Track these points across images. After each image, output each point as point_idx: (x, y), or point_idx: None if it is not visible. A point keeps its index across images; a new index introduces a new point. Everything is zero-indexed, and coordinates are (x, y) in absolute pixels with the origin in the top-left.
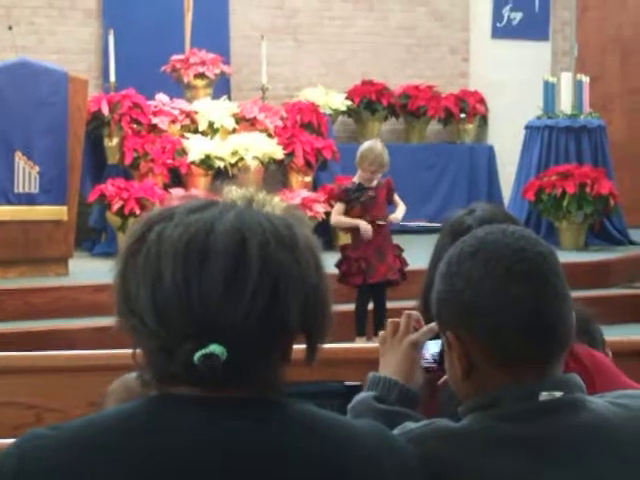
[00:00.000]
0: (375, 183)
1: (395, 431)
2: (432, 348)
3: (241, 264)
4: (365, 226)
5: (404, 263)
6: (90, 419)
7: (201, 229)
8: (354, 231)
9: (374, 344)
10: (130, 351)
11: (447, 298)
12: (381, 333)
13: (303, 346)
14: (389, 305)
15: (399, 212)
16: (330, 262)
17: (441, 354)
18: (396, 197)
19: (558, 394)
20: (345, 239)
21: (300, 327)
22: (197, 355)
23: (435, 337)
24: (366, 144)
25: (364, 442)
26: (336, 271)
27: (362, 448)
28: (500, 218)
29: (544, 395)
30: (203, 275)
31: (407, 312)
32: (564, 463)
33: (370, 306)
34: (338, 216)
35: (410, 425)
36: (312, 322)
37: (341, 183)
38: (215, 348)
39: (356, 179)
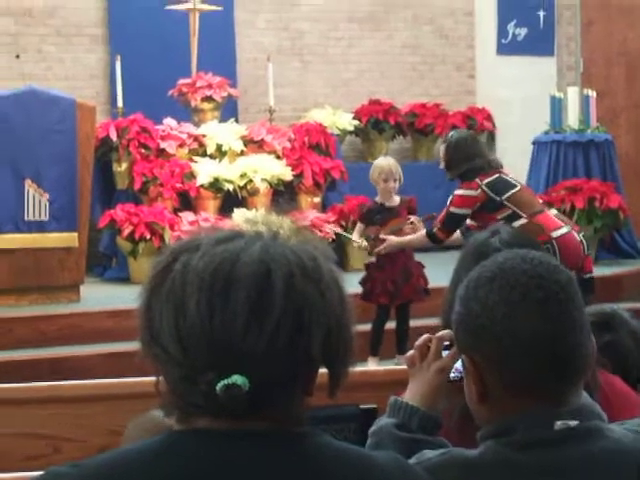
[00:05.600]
0: (398, 201)
1: (412, 459)
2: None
3: (265, 295)
4: (363, 244)
5: (426, 280)
6: (108, 456)
7: (227, 260)
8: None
9: (389, 367)
10: (150, 379)
11: (464, 321)
12: (408, 354)
13: (320, 370)
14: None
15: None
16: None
17: None
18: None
19: (573, 423)
20: (359, 260)
21: (323, 359)
22: (219, 385)
23: None
24: (375, 161)
25: (383, 473)
26: (353, 290)
27: (381, 476)
28: (524, 241)
29: (559, 424)
30: (227, 305)
31: (439, 334)
32: None
33: (389, 325)
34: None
35: (427, 454)
36: (335, 354)
37: (363, 203)
38: (237, 379)
39: (378, 199)
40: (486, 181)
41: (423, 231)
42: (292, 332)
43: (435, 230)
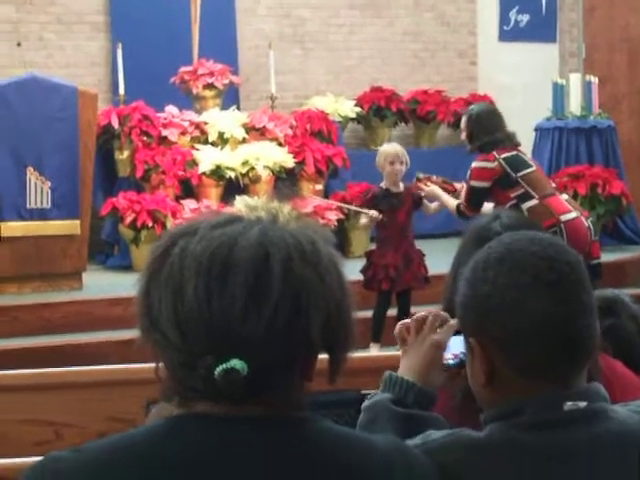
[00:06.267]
0: (402, 188)
1: (417, 439)
2: (454, 346)
3: (263, 279)
4: (373, 213)
5: (426, 269)
6: (108, 441)
7: (224, 244)
8: (380, 237)
9: (390, 352)
10: (150, 365)
11: (471, 303)
12: (396, 330)
13: (321, 356)
14: (411, 310)
15: (434, 205)
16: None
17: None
18: (427, 202)
19: (582, 404)
20: (361, 246)
21: (322, 343)
22: (218, 370)
23: (457, 333)
24: (380, 147)
25: (383, 457)
26: (354, 277)
27: (381, 461)
28: (526, 225)
29: (569, 405)
30: (225, 289)
31: (435, 312)
32: (589, 473)
33: (390, 312)
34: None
35: (433, 434)
36: (334, 338)
37: (368, 189)
38: (236, 363)
39: (383, 184)
40: (504, 155)
41: (455, 202)
42: (290, 316)
43: (462, 207)
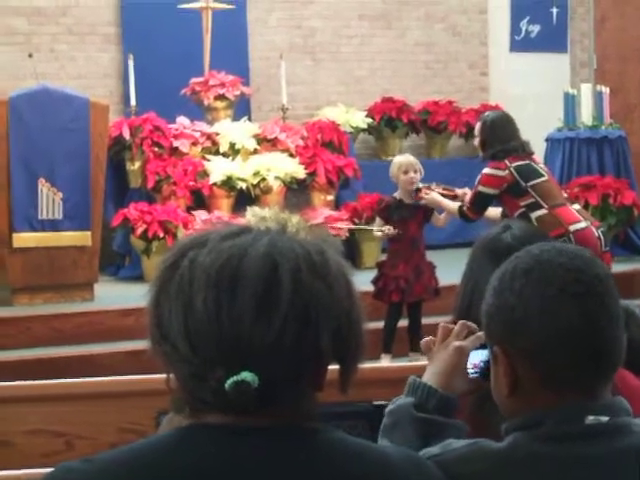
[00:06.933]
0: (414, 199)
1: (436, 448)
2: (474, 358)
3: (272, 290)
4: (388, 229)
5: (437, 281)
6: (118, 452)
7: (234, 255)
8: (391, 249)
9: (402, 363)
10: (162, 376)
11: (497, 313)
12: (425, 340)
13: (332, 367)
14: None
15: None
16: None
17: (487, 366)
18: (436, 214)
19: (604, 419)
20: (372, 258)
21: (332, 354)
22: (228, 382)
23: (480, 347)
24: (394, 159)
25: (397, 469)
26: (366, 288)
27: (399, 473)
28: (537, 236)
29: (591, 419)
30: (234, 301)
31: (463, 322)
32: None
33: (401, 323)
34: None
35: (453, 444)
36: (344, 349)
37: (382, 198)
38: (246, 375)
39: (397, 194)
40: (515, 164)
41: (457, 205)
42: (300, 327)
43: (465, 209)
